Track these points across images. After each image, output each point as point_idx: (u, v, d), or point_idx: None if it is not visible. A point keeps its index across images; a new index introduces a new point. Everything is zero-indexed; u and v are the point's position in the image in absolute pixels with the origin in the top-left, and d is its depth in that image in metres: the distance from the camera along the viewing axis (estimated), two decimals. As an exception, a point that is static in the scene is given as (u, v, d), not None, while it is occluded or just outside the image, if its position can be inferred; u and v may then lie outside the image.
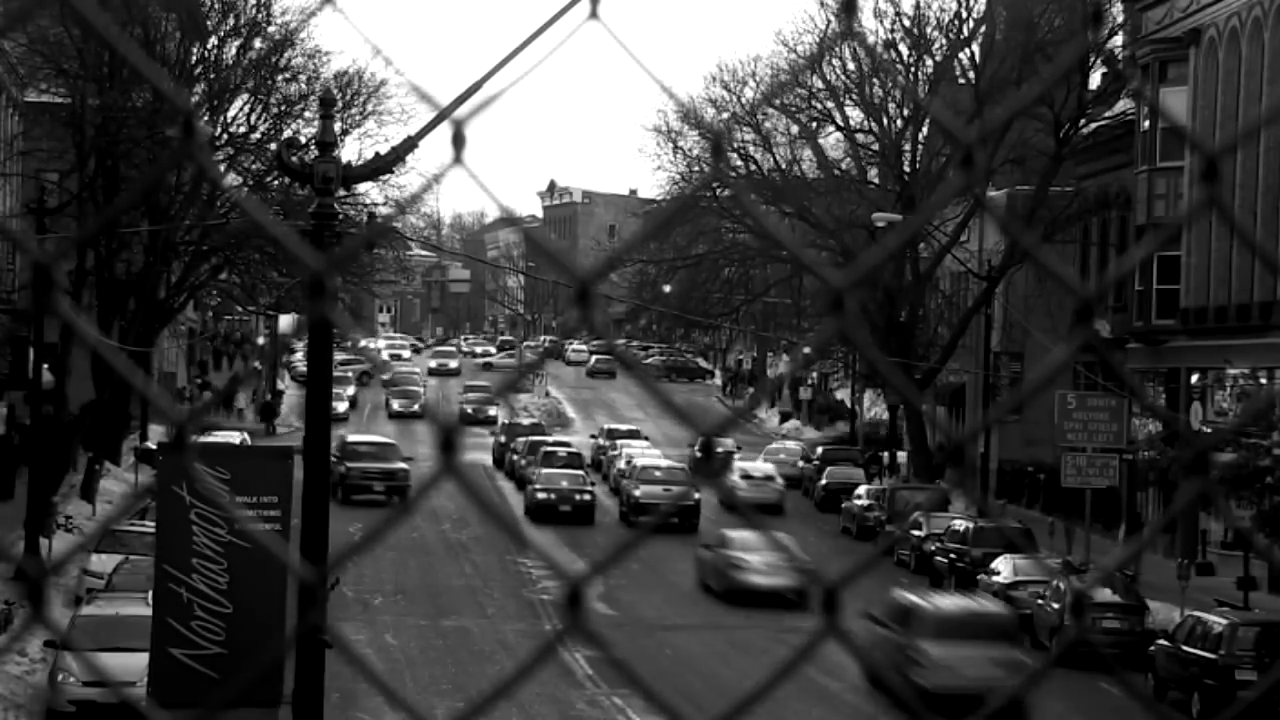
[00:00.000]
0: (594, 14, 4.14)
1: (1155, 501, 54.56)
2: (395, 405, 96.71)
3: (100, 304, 56.26)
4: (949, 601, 37.96)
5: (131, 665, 26.07)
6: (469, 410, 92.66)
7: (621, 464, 70.69)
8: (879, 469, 74.23)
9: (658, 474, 64.25)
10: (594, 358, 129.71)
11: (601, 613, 44.39)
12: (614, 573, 49.55)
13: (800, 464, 75.69)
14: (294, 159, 20.41)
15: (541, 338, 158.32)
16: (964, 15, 70.88)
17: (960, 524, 52.18)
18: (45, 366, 48.57)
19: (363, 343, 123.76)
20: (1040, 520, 60.98)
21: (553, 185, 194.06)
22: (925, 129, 71.33)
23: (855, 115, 74.78)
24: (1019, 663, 34.12)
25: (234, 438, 67.47)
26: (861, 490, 64.79)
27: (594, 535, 58.37)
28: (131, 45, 46.25)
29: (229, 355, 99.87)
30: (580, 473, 64.85)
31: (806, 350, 74.93)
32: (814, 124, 76.02)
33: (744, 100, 78.21)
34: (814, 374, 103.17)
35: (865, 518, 61.72)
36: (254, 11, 58.62)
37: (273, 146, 49.92)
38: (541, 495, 61.29)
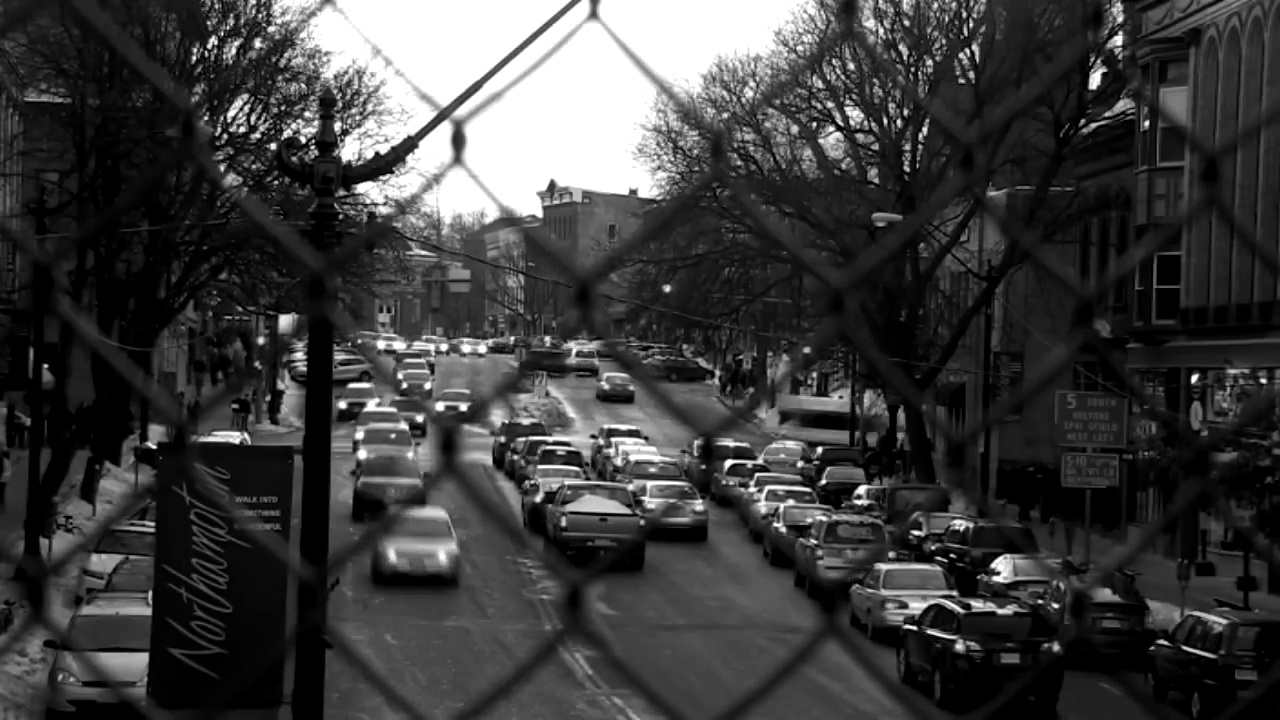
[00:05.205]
0: (594, 14, 4.14)
1: (1156, 501, 54.56)
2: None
3: (100, 304, 56.22)
4: None
5: (131, 665, 26.07)
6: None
7: (617, 460, 70.89)
8: (879, 469, 74.24)
9: (652, 470, 65.68)
10: (606, 376, 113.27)
11: (601, 613, 44.39)
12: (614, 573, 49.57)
13: (800, 464, 75.73)
14: (294, 159, 20.42)
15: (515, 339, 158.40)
16: (964, 15, 70.92)
17: (960, 524, 52.19)
18: (45, 366, 48.56)
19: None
20: (1040, 520, 61.04)
21: (553, 185, 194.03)
22: (925, 129, 71.33)
23: (855, 115, 74.86)
24: None
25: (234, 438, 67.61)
26: (861, 490, 64.81)
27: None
28: (131, 45, 46.24)
29: (222, 361, 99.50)
30: (578, 470, 64.84)
31: (806, 350, 74.93)
32: (814, 124, 76.04)
33: (744, 100, 78.21)
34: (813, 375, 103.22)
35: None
36: (254, 11, 58.59)
37: (273, 146, 49.89)
38: (539, 499, 58.59)
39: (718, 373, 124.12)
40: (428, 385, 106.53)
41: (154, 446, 59.52)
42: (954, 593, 43.92)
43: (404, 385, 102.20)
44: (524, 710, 33.19)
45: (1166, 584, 43.73)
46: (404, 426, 76.03)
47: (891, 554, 48.53)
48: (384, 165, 20.62)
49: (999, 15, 69.21)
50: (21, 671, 34.23)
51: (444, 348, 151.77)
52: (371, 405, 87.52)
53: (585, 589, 4.19)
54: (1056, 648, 36.28)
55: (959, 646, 36.47)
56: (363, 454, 67.78)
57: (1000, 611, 38.15)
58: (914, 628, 38.60)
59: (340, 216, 21.97)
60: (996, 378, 66.65)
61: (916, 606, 40.98)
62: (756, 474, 66.00)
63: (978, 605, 38.73)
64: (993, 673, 35.71)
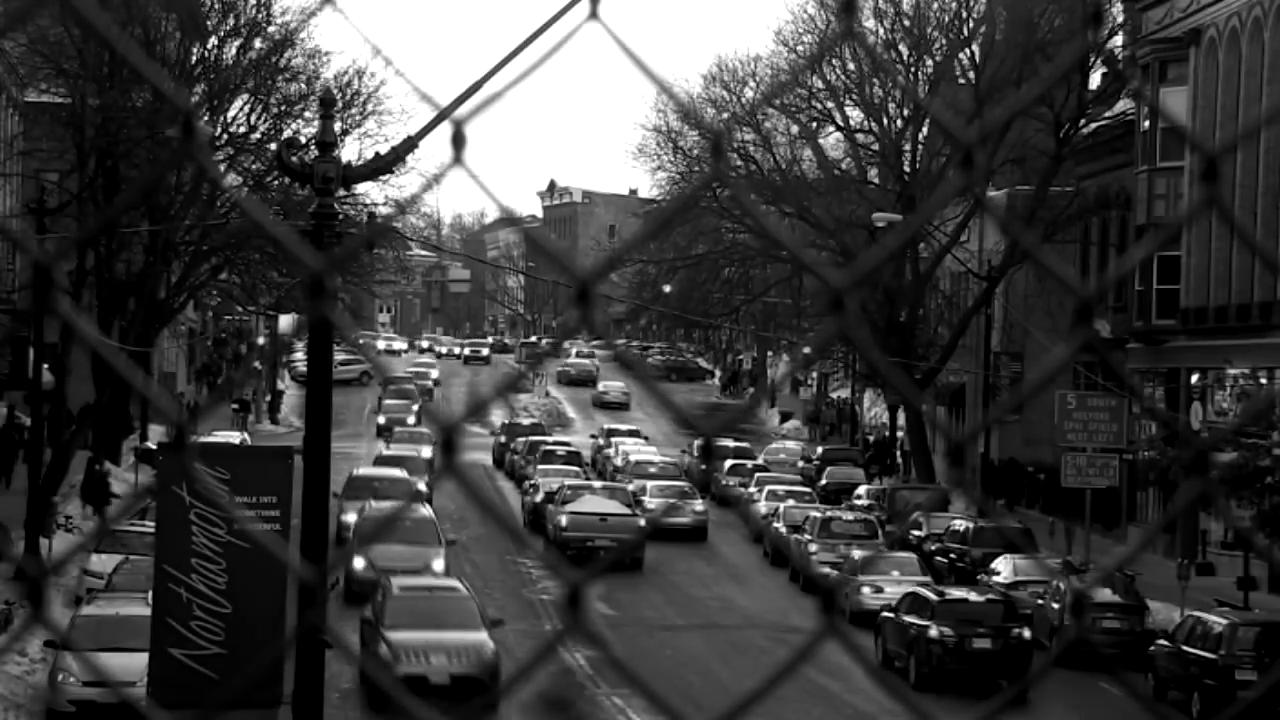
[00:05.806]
0: (594, 14, 4.14)
1: (1156, 501, 54.56)
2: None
3: (100, 304, 56.22)
4: None
5: (131, 665, 26.06)
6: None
7: (618, 460, 70.95)
8: (879, 469, 74.22)
9: (652, 470, 66.00)
10: (602, 384, 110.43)
11: (601, 613, 44.38)
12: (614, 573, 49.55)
13: (800, 464, 75.77)
14: (294, 159, 20.42)
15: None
16: (964, 15, 70.91)
17: (960, 524, 52.20)
18: (45, 366, 48.56)
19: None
20: (1040, 520, 61.00)
21: (553, 185, 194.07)
22: (925, 129, 71.32)
23: (855, 115, 74.84)
24: None
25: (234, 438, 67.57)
26: (861, 490, 64.82)
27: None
28: (131, 45, 46.19)
29: (223, 361, 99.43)
30: (578, 470, 64.86)
31: (806, 350, 74.92)
32: (814, 124, 76.02)
33: (744, 100, 78.18)
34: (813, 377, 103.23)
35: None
36: (254, 11, 58.55)
37: (273, 146, 49.87)
38: (539, 499, 58.32)
39: (718, 373, 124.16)
40: (410, 420, 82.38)
41: (154, 446, 59.50)
42: (928, 578, 45.36)
43: (381, 419, 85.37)
44: (524, 710, 33.18)
45: (1166, 584, 43.72)
46: (426, 513, 47.32)
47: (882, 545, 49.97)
48: (384, 165, 20.62)
49: (999, 15, 69.19)
50: (21, 671, 34.22)
51: (445, 350, 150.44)
52: (361, 469, 59.36)
53: (585, 589, 4.19)
54: (1028, 633, 37.85)
55: (933, 631, 37.72)
56: (359, 564, 42.67)
57: (972, 598, 39.58)
58: (891, 614, 39.89)
59: (340, 216, 21.97)
60: (996, 378, 66.64)
61: (891, 590, 43.17)
62: (756, 474, 66.09)
63: (951, 592, 40.32)
64: (965, 656, 37.18)
